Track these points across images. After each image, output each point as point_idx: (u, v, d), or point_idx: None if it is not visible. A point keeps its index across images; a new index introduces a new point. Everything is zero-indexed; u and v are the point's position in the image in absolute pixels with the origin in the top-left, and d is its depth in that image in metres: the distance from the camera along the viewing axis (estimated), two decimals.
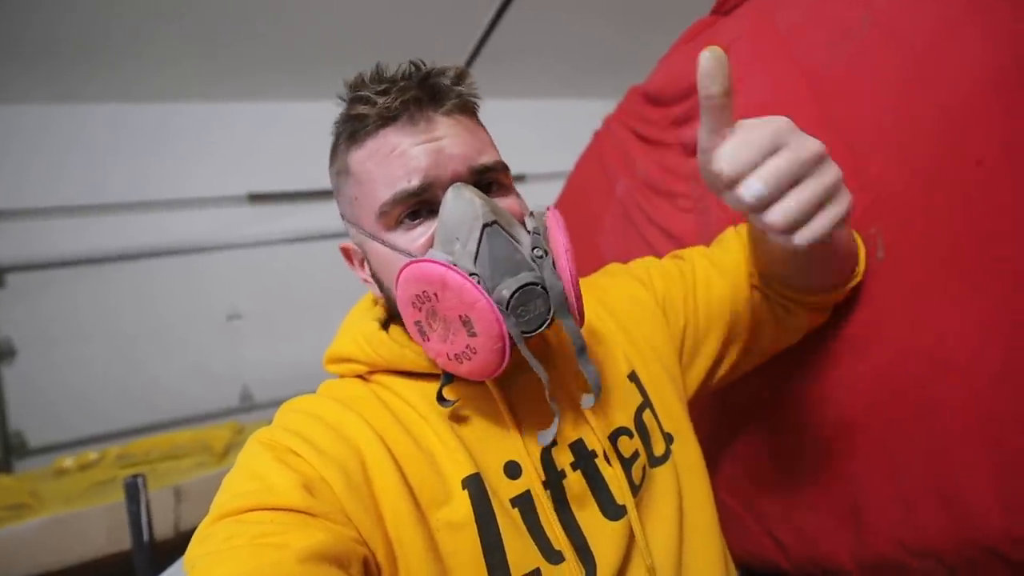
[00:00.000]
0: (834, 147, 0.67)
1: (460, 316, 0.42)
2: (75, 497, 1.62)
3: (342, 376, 0.55)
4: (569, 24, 2.18)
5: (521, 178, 2.80)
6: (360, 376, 0.54)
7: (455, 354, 0.44)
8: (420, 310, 0.44)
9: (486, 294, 0.42)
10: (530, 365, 0.45)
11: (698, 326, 0.62)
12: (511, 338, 0.42)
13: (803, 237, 0.36)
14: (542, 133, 2.79)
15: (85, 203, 2.36)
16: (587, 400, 0.47)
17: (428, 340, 0.45)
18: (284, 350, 2.55)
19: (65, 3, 1.66)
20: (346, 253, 0.55)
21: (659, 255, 0.70)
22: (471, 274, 0.43)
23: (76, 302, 2.34)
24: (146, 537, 0.96)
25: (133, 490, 0.96)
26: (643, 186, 1.07)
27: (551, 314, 0.44)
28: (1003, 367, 0.52)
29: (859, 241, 0.63)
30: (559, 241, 0.45)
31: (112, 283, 2.40)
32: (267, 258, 2.63)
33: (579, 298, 0.45)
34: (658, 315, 0.62)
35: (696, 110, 0.97)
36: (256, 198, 2.59)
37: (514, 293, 0.42)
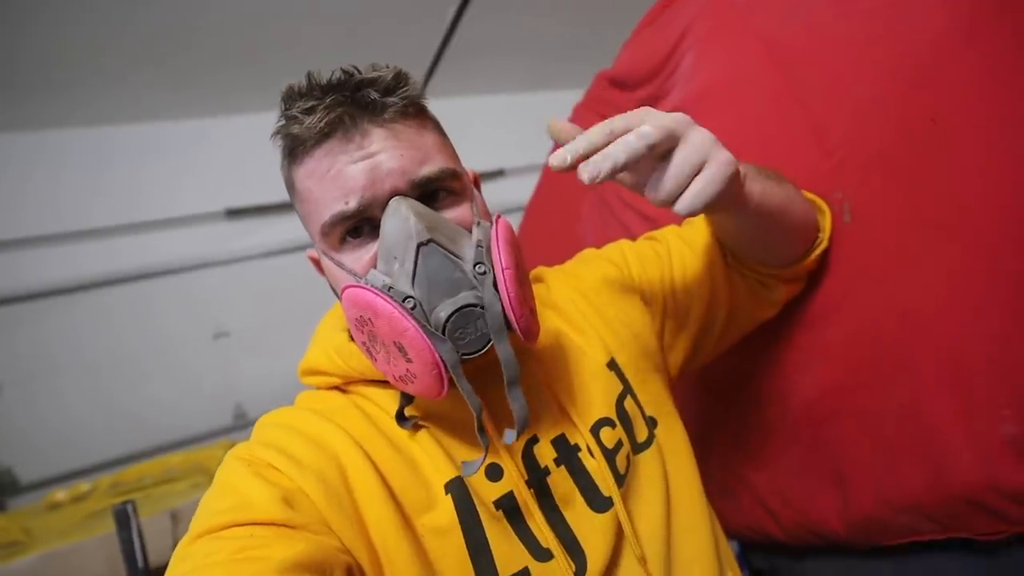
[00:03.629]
0: (797, 114, 0.68)
1: (394, 342, 0.41)
2: (69, 530, 1.59)
3: (318, 388, 0.54)
4: (531, 17, 2.17)
5: (500, 173, 2.80)
6: (337, 387, 0.53)
7: (399, 376, 0.43)
8: (362, 332, 0.44)
9: (415, 322, 0.40)
10: (501, 363, 0.43)
11: (677, 306, 0.62)
12: (445, 364, 0.41)
13: (683, 205, 0.39)
14: (517, 127, 2.77)
15: (55, 232, 2.31)
16: (509, 435, 0.44)
17: (375, 361, 0.45)
18: (275, 364, 2.51)
19: (16, 27, 1.62)
20: (314, 262, 0.54)
21: (635, 238, 0.70)
22: (406, 297, 0.42)
23: (56, 333, 2.29)
24: (141, 563, 0.95)
25: (123, 517, 0.95)
26: None
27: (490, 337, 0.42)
28: (970, 318, 0.53)
29: (823, 206, 0.63)
30: (499, 256, 0.43)
31: (93, 311, 2.36)
32: (250, 273, 2.59)
33: (523, 317, 0.43)
34: (635, 298, 0.61)
35: (662, 90, 0.97)
36: (234, 213, 2.55)
37: (450, 316, 0.41)
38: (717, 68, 0.80)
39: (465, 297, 0.42)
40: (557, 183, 1.37)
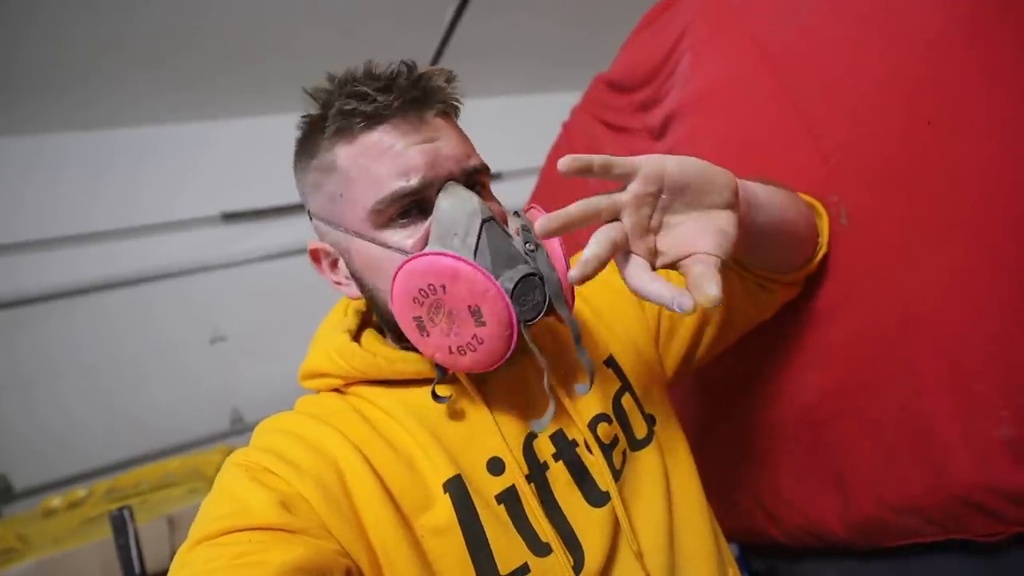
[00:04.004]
0: (793, 117, 0.68)
1: (469, 306, 0.43)
2: (65, 536, 1.57)
3: (318, 391, 0.54)
4: (529, 19, 2.18)
5: (497, 176, 2.80)
6: (336, 389, 0.53)
7: (458, 347, 0.44)
8: (422, 305, 0.44)
9: (496, 283, 0.43)
10: (521, 355, 0.46)
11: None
12: (519, 326, 0.44)
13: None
14: (514, 130, 2.78)
15: (52, 236, 2.30)
16: (581, 388, 0.48)
17: (427, 335, 0.45)
18: (272, 368, 2.50)
19: (14, 30, 1.62)
20: (314, 255, 0.53)
21: None
22: None
23: (53, 337, 2.28)
24: (138, 570, 0.94)
25: (120, 523, 0.94)
26: None
27: (547, 303, 0.45)
28: (968, 318, 0.53)
29: (820, 210, 0.63)
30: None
31: (90, 315, 2.35)
32: (246, 277, 2.59)
33: (571, 288, 0.47)
34: (632, 300, 0.62)
35: (659, 93, 0.98)
36: (230, 217, 2.55)
37: (517, 283, 0.44)
38: (714, 71, 0.81)
39: (525, 268, 0.45)
40: (554, 187, 1.37)
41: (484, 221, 0.45)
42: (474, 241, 0.44)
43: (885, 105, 0.58)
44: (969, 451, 0.52)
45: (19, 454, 2.21)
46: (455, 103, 0.51)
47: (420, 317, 0.45)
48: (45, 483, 2.19)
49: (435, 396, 0.49)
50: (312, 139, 0.50)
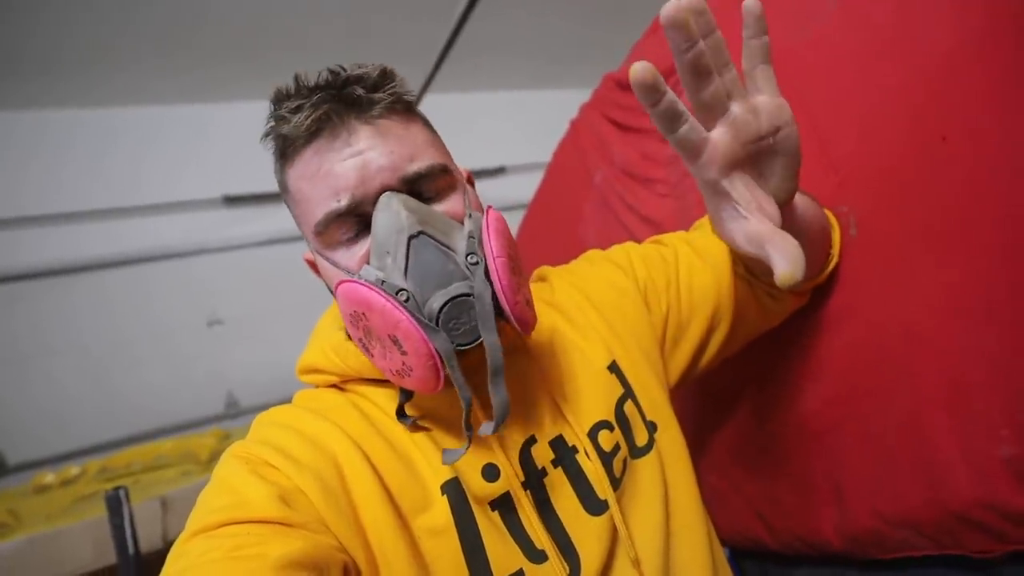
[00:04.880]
0: (804, 127, 0.67)
1: (389, 336, 0.41)
2: (57, 513, 1.58)
3: (316, 386, 0.54)
4: (541, 14, 2.16)
5: (501, 170, 2.79)
6: (334, 385, 0.53)
7: (396, 370, 0.43)
8: (358, 328, 0.43)
9: (408, 314, 0.40)
10: (520, 356, 0.44)
11: (680, 313, 0.61)
12: (440, 355, 0.41)
13: None
14: (520, 125, 2.77)
15: (50, 212, 2.29)
16: (485, 428, 0.44)
17: (372, 356, 0.45)
18: (268, 354, 2.50)
19: (28, 15, 1.60)
20: (310, 264, 0.54)
21: (638, 241, 0.70)
22: (399, 290, 0.42)
23: (50, 313, 2.28)
24: (132, 550, 0.94)
25: (115, 503, 0.94)
26: (621, 173, 1.07)
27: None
28: (970, 335, 0.53)
29: (834, 222, 0.63)
30: (490, 245, 0.43)
31: (85, 293, 2.34)
32: (246, 261, 2.58)
33: (516, 304, 0.43)
34: (639, 302, 0.61)
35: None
36: (232, 200, 2.54)
37: (443, 307, 0.41)
38: None
39: (458, 287, 0.42)
40: (560, 184, 1.37)
41: (411, 237, 0.42)
42: (403, 260, 0.42)
43: (896, 116, 0.58)
44: (968, 468, 0.52)
45: (13, 429, 2.20)
46: (395, 103, 0.46)
47: (361, 339, 0.44)
48: (38, 459, 2.19)
49: (400, 415, 0.48)
50: (274, 158, 0.50)
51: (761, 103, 0.40)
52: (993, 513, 0.51)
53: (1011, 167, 0.50)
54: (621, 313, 0.60)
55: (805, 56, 0.68)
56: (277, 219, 2.55)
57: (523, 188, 1.70)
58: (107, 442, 2.28)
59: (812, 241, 0.56)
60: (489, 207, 0.47)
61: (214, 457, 1.84)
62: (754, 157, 0.41)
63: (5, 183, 2.26)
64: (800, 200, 0.51)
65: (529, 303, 0.46)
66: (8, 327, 2.24)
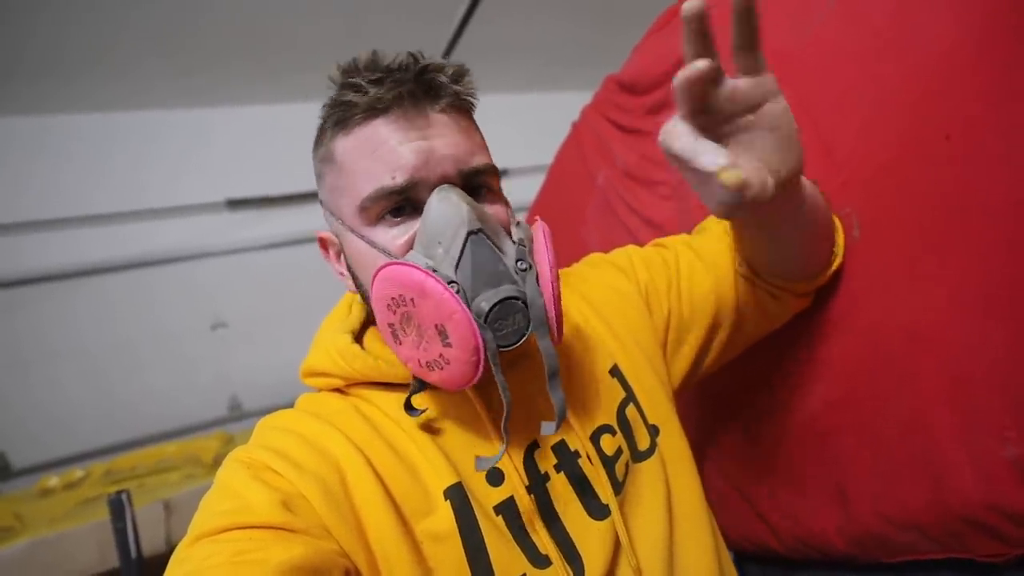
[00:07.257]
0: (806, 128, 0.67)
1: (436, 325, 0.41)
2: (61, 517, 1.58)
3: (320, 390, 0.54)
4: (542, 17, 2.17)
5: (504, 173, 2.79)
6: (337, 389, 0.53)
7: (427, 361, 0.43)
8: (395, 313, 0.43)
9: (464, 305, 0.41)
10: (525, 360, 0.44)
11: (682, 316, 0.61)
12: (486, 352, 0.41)
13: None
14: (522, 127, 2.77)
15: (53, 217, 2.30)
16: (547, 427, 0.46)
17: (400, 344, 0.44)
18: (272, 357, 2.51)
19: (29, 18, 1.61)
20: (323, 243, 0.53)
21: (641, 244, 0.70)
22: (450, 282, 0.42)
23: (54, 318, 2.29)
24: (134, 553, 0.94)
25: (118, 506, 0.94)
26: (623, 175, 1.07)
27: (529, 330, 0.43)
28: (973, 336, 0.53)
29: (837, 224, 0.63)
30: (544, 255, 0.44)
31: (89, 298, 2.35)
32: (249, 264, 2.58)
33: (559, 316, 0.44)
34: (640, 306, 0.61)
35: (671, 96, 0.97)
36: (235, 204, 2.54)
37: (493, 306, 0.41)
38: None
39: (508, 289, 0.42)
40: (561, 186, 1.37)
41: (470, 233, 0.42)
42: (457, 254, 0.42)
43: (898, 117, 0.58)
44: (973, 469, 0.52)
45: (17, 433, 2.21)
46: (465, 100, 0.48)
47: (394, 324, 0.43)
48: (42, 462, 2.20)
49: (408, 408, 0.47)
50: (321, 128, 0.49)
51: (741, 84, 0.39)
52: (998, 515, 0.51)
53: (1012, 165, 0.50)
54: (623, 316, 0.60)
55: (805, 56, 0.68)
56: (280, 222, 2.55)
57: (525, 191, 1.70)
58: (111, 445, 2.29)
59: (818, 233, 0.56)
60: (538, 218, 0.48)
61: (218, 460, 1.84)
62: (736, 134, 0.40)
63: (7, 188, 2.27)
64: (809, 187, 0.51)
65: (562, 314, 0.46)
66: (12, 332, 2.25)
